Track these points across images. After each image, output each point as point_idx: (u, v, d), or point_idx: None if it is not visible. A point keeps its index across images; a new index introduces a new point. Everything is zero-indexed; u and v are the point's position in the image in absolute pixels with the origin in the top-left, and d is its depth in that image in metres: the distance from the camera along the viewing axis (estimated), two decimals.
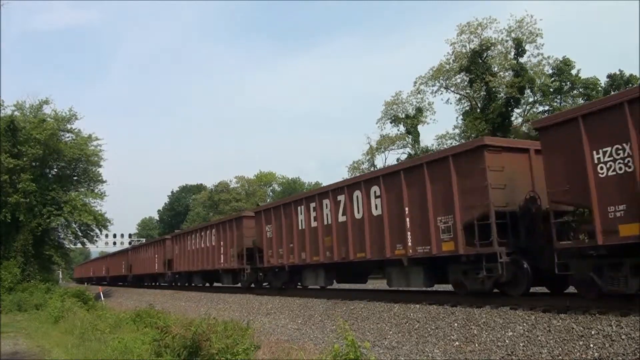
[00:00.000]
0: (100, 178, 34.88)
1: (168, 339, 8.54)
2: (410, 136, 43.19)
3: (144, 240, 66.74)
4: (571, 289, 11.92)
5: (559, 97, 39.73)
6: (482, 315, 9.48)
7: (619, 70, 40.06)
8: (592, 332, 7.46)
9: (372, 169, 41.72)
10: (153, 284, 37.19)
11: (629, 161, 7.77)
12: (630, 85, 36.17)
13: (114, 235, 74.24)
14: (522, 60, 36.95)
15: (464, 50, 38.51)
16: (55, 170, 33.76)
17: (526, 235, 10.12)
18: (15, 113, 31.22)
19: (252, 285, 20.70)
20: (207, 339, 7.95)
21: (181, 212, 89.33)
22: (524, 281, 9.99)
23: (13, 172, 29.29)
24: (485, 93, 37.86)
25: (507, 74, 37.46)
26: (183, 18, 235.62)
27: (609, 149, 8.03)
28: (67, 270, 72.82)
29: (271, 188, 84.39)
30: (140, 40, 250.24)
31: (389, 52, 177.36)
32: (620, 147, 7.88)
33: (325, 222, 14.98)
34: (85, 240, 35.88)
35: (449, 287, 12.43)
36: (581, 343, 7.40)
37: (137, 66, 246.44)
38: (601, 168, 8.13)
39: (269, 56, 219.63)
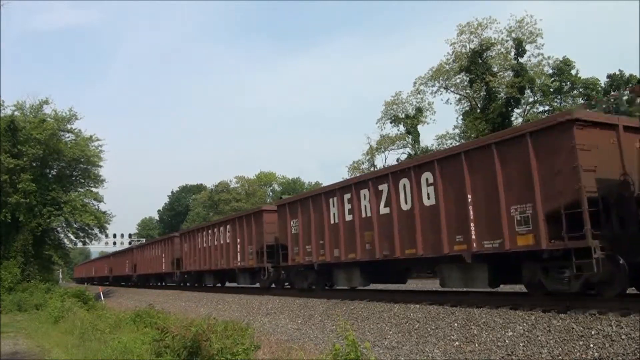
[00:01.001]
0: (100, 178, 34.95)
1: (168, 339, 8.53)
2: (410, 136, 43.23)
3: (144, 240, 66.69)
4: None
5: (559, 97, 39.76)
6: (482, 315, 9.48)
7: (619, 70, 40.16)
8: (592, 332, 7.46)
9: (372, 169, 41.72)
10: (160, 284, 35.90)
11: None
12: (631, 85, 36.17)
13: (114, 235, 74.15)
14: (522, 60, 37.04)
15: (464, 51, 38.56)
16: (55, 170, 33.78)
17: (619, 226, 8.73)
18: (15, 113, 31.27)
19: (273, 286, 19.57)
20: (207, 339, 7.94)
21: (181, 212, 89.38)
22: (621, 280, 8.72)
23: (13, 172, 29.31)
24: (485, 93, 37.90)
25: (507, 74, 37.52)
26: (183, 18, 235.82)
27: None
28: (67, 270, 72.79)
29: (271, 188, 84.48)
30: (140, 40, 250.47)
31: (389, 52, 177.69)
32: None
33: (364, 215, 13.40)
34: (86, 239, 35.93)
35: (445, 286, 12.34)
36: (581, 343, 7.39)
37: (137, 66, 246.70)
38: None
39: (269, 56, 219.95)
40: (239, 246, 20.91)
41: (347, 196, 14.20)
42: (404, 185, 12.10)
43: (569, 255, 8.62)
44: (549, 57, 37.95)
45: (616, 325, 7.35)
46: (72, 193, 32.82)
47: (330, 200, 14.90)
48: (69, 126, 32.60)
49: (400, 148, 44.23)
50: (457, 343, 9.01)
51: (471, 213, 10.33)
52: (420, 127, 43.33)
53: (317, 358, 8.61)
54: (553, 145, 8.90)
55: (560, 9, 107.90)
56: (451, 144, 39.14)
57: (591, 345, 7.24)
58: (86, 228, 34.51)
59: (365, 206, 13.44)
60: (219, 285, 25.45)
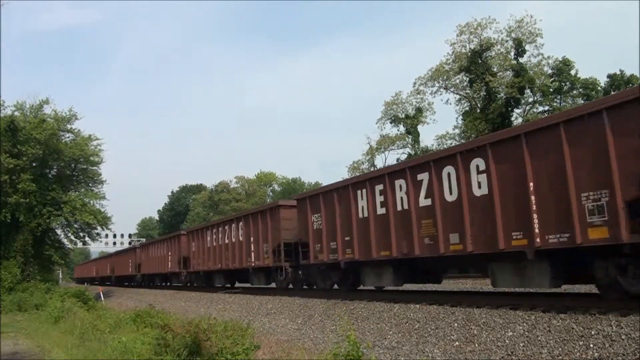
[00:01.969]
0: (100, 179, 34.98)
1: (168, 338, 8.54)
2: (410, 136, 43.22)
3: (144, 240, 66.70)
4: (568, 288, 11.91)
5: (558, 97, 39.80)
6: (482, 315, 9.48)
7: (620, 70, 40.20)
8: (592, 332, 7.46)
9: (371, 169, 41.74)
10: (165, 284, 34.25)
11: None
12: (631, 85, 36.23)
13: (114, 235, 74.28)
14: (522, 60, 37.04)
15: (463, 51, 38.56)
16: (55, 170, 33.82)
17: None
18: (15, 113, 31.35)
19: (290, 286, 18.39)
20: (207, 339, 7.95)
21: (181, 212, 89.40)
22: None
23: (13, 172, 29.35)
24: (485, 93, 37.90)
25: (507, 74, 37.52)
26: (183, 18, 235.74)
27: None
28: (67, 270, 72.82)
29: (271, 188, 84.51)
30: (140, 40, 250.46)
31: (389, 52, 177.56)
32: None
33: (400, 208, 12.15)
34: (86, 239, 35.93)
35: (446, 287, 12.37)
36: (581, 343, 7.40)
37: (137, 66, 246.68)
38: None
39: (269, 56, 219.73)
40: (252, 244, 19.62)
41: (378, 187, 12.89)
42: (449, 174, 10.84)
43: None
44: (548, 57, 38.03)
45: (616, 325, 7.36)
46: (72, 193, 32.83)
47: (359, 192, 13.60)
48: (68, 126, 32.73)
49: (400, 148, 44.27)
50: (457, 343, 9.01)
51: (533, 203, 9.03)
52: (420, 127, 43.36)
53: (317, 358, 8.63)
54: (636, 121, 7.60)
55: (560, 9, 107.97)
56: (451, 143, 39.15)
57: (591, 345, 7.24)
58: (86, 228, 34.53)
59: (402, 198, 12.11)
60: (228, 285, 24.27)
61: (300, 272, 17.14)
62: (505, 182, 9.69)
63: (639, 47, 69.39)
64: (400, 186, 12.23)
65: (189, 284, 28.12)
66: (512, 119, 37.81)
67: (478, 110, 38.53)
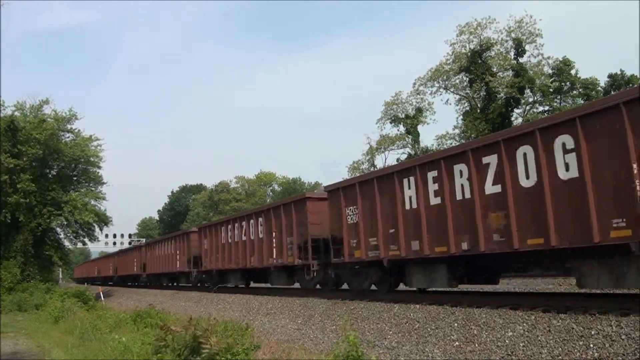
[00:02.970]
0: (100, 179, 34.99)
1: (168, 338, 8.55)
2: (410, 136, 43.23)
3: (144, 240, 66.66)
4: (557, 287, 11.90)
5: (558, 97, 39.81)
6: (482, 315, 9.48)
7: (620, 70, 40.22)
8: (592, 332, 7.46)
9: (371, 169, 41.74)
10: (172, 284, 32.31)
11: None
12: (631, 85, 36.24)
13: (114, 235, 74.32)
14: (521, 60, 37.08)
15: (463, 51, 38.59)
16: (55, 170, 33.83)
17: None
18: (15, 113, 31.36)
19: (318, 287, 16.73)
20: (207, 339, 7.95)
21: (181, 212, 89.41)
22: None
23: (13, 172, 29.37)
24: (485, 93, 37.94)
25: (506, 74, 37.54)
26: (183, 18, 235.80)
27: None
28: (67, 270, 72.80)
29: (271, 188, 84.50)
30: (140, 40, 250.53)
31: (389, 52, 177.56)
32: None
33: (459, 197, 10.56)
34: (86, 239, 35.95)
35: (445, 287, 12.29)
36: (581, 343, 7.40)
37: (137, 66, 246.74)
38: None
39: (269, 56, 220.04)
40: (274, 240, 17.93)
41: (431, 174, 11.24)
42: (524, 155, 9.30)
43: None
44: (548, 57, 38.09)
45: (616, 325, 7.36)
46: (73, 193, 32.84)
47: (405, 180, 11.98)
48: (68, 126, 32.70)
49: (400, 148, 44.30)
50: (457, 343, 9.01)
51: (638, 186, 7.60)
52: (420, 127, 43.39)
53: (317, 358, 8.63)
54: None
55: (560, 9, 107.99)
56: (451, 143, 39.19)
57: (591, 345, 7.24)
58: (86, 228, 34.53)
59: (462, 185, 10.52)
60: (242, 286, 22.69)
61: (329, 272, 15.65)
62: (602, 161, 8.14)
63: (639, 47, 69.42)
64: (461, 172, 10.56)
65: (199, 284, 26.37)
66: (512, 118, 37.86)
67: (478, 110, 38.55)
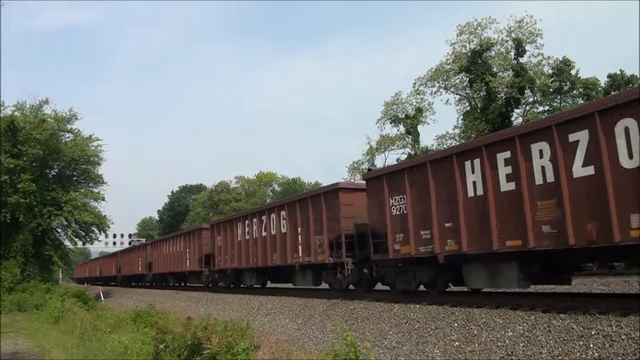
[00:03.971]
0: (100, 179, 35.01)
1: (168, 338, 8.54)
2: (410, 136, 43.25)
3: (143, 240, 66.65)
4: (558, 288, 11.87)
5: (558, 97, 39.82)
6: (482, 315, 9.48)
7: (620, 70, 40.24)
8: (592, 332, 7.46)
9: (372, 169, 41.75)
10: (180, 285, 30.90)
11: None
12: (631, 85, 36.26)
13: (114, 235, 74.43)
14: (522, 60, 37.10)
15: (463, 51, 38.61)
16: (55, 170, 33.88)
17: None
18: (15, 113, 31.45)
19: (351, 287, 14.90)
20: (207, 339, 7.95)
21: (181, 212, 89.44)
22: None
23: (13, 172, 29.42)
24: (485, 93, 37.94)
25: (507, 74, 37.55)
26: (183, 18, 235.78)
27: None
28: (67, 270, 72.80)
29: (271, 188, 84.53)
30: (140, 40, 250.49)
31: (389, 52, 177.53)
32: None
33: (540, 181, 9.04)
34: (85, 239, 35.97)
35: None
36: (581, 343, 7.40)
37: (137, 66, 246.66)
38: None
39: (269, 56, 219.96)
40: (300, 236, 16.32)
41: (502, 155, 9.74)
42: (625, 130, 7.80)
43: None
44: (548, 57, 38.06)
45: (616, 325, 7.36)
46: (72, 193, 32.87)
47: (467, 163, 10.45)
48: (68, 126, 32.77)
49: (400, 148, 44.32)
50: (457, 343, 9.01)
51: None
52: (420, 127, 43.44)
53: (317, 358, 8.62)
54: None
55: (560, 9, 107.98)
56: (451, 143, 39.19)
57: (591, 345, 7.24)
58: (85, 228, 34.55)
59: (544, 167, 8.99)
60: (257, 286, 21.19)
61: (365, 270, 14.24)
62: None
63: (639, 47, 69.41)
64: (542, 151, 9.04)
65: (210, 284, 24.80)
66: (512, 118, 37.86)
67: (478, 110, 38.56)
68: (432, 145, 43.42)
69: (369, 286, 14.59)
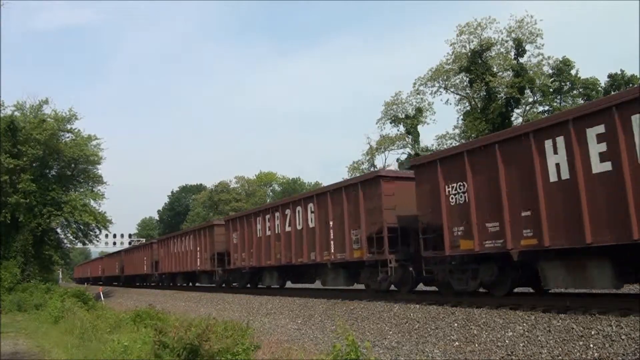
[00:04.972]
0: (100, 179, 35.02)
1: (168, 339, 8.53)
2: (410, 136, 43.25)
3: (143, 240, 66.63)
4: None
5: (558, 97, 39.84)
6: (482, 315, 9.48)
7: (620, 70, 40.26)
8: (592, 332, 7.47)
9: (371, 169, 41.75)
10: (189, 284, 29.60)
11: None
12: (631, 85, 36.26)
13: (114, 236, 74.53)
14: (522, 60, 37.09)
15: (463, 51, 38.61)
16: (55, 170, 33.88)
17: None
18: (15, 113, 31.46)
19: (392, 288, 13.87)
20: (207, 339, 7.94)
21: (181, 212, 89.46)
22: None
23: (13, 172, 29.43)
24: (485, 93, 37.94)
25: (507, 74, 37.55)
26: (183, 18, 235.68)
27: None
28: (67, 270, 72.83)
29: (271, 188, 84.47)
30: (140, 40, 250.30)
31: (389, 52, 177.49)
32: None
33: None
34: (85, 240, 35.96)
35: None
36: (581, 343, 7.40)
37: (137, 66, 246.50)
38: None
39: (269, 56, 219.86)
40: (332, 231, 14.89)
41: (594, 131, 8.28)
42: None
43: None
44: (548, 57, 38.08)
45: (616, 325, 7.36)
46: (72, 193, 32.88)
47: (548, 143, 8.98)
48: (68, 126, 32.78)
49: (400, 148, 44.32)
50: (457, 343, 9.01)
51: None
52: (420, 127, 43.44)
53: (317, 358, 8.62)
54: None
55: (560, 9, 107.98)
56: (451, 144, 39.20)
57: (591, 345, 7.24)
58: (85, 228, 34.56)
59: None
60: (276, 287, 19.88)
61: (410, 269, 12.96)
62: None
63: (639, 47, 69.40)
64: None
65: (224, 285, 23.57)
66: (512, 118, 37.86)
67: (478, 110, 38.56)
68: (432, 145, 43.50)
69: (412, 287, 13.55)
